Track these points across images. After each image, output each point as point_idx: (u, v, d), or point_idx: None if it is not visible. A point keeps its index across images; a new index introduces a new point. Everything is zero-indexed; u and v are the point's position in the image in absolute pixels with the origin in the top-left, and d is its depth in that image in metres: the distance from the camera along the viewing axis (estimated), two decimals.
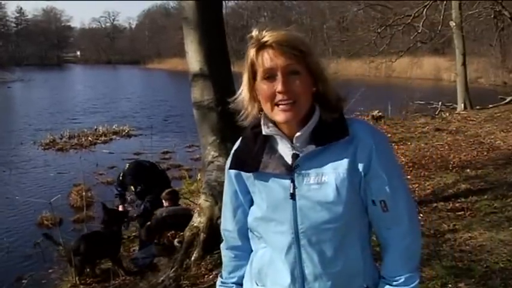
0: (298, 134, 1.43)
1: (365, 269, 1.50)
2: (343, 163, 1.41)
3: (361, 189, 1.45)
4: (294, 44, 1.37)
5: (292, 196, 1.44)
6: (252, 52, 1.41)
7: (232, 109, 1.51)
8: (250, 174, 1.51)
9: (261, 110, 1.47)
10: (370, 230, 1.55)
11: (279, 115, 1.40)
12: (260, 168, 1.47)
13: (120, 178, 6.90)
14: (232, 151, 1.57)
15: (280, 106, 1.39)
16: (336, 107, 1.46)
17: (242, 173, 1.54)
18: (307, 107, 1.43)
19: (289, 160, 1.45)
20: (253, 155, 1.49)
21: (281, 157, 1.46)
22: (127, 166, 6.99)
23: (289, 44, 1.36)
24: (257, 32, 1.40)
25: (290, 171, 1.44)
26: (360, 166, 1.42)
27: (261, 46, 1.39)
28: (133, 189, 6.81)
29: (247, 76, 1.45)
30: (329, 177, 1.41)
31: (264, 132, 1.47)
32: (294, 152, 1.45)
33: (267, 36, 1.37)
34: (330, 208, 1.41)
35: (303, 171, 1.43)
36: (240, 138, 1.57)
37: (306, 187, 1.43)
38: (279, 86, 1.37)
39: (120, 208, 6.63)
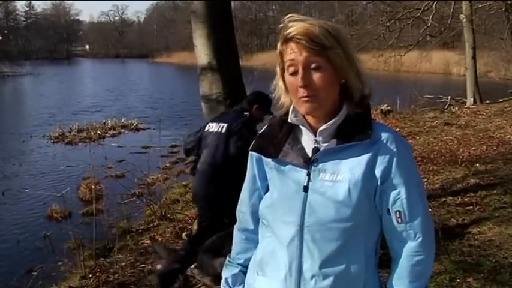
0: (322, 128, 1.41)
1: (366, 278, 1.45)
2: (361, 165, 1.38)
3: (376, 195, 1.41)
4: (314, 37, 1.32)
5: (305, 189, 1.42)
6: (279, 45, 1.40)
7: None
8: (270, 160, 1.50)
9: None
10: (379, 241, 1.51)
11: (301, 107, 1.39)
12: (280, 155, 1.46)
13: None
14: (257, 134, 1.57)
15: (302, 99, 1.37)
16: (360, 102, 1.43)
17: (263, 158, 1.53)
18: (329, 101, 1.40)
19: (309, 152, 1.44)
20: (275, 142, 1.48)
21: (302, 148, 1.45)
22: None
23: (309, 38, 1.32)
24: (284, 23, 1.37)
25: (308, 164, 1.43)
26: (378, 172, 1.39)
27: (286, 39, 1.37)
28: None
29: (279, 68, 1.45)
30: (344, 177, 1.38)
31: (289, 120, 1.46)
32: (316, 145, 1.44)
33: (291, 29, 1.35)
34: (338, 208, 1.38)
35: (320, 166, 1.41)
36: (268, 123, 1.56)
37: (320, 182, 1.41)
38: (298, 81, 1.36)
39: None
